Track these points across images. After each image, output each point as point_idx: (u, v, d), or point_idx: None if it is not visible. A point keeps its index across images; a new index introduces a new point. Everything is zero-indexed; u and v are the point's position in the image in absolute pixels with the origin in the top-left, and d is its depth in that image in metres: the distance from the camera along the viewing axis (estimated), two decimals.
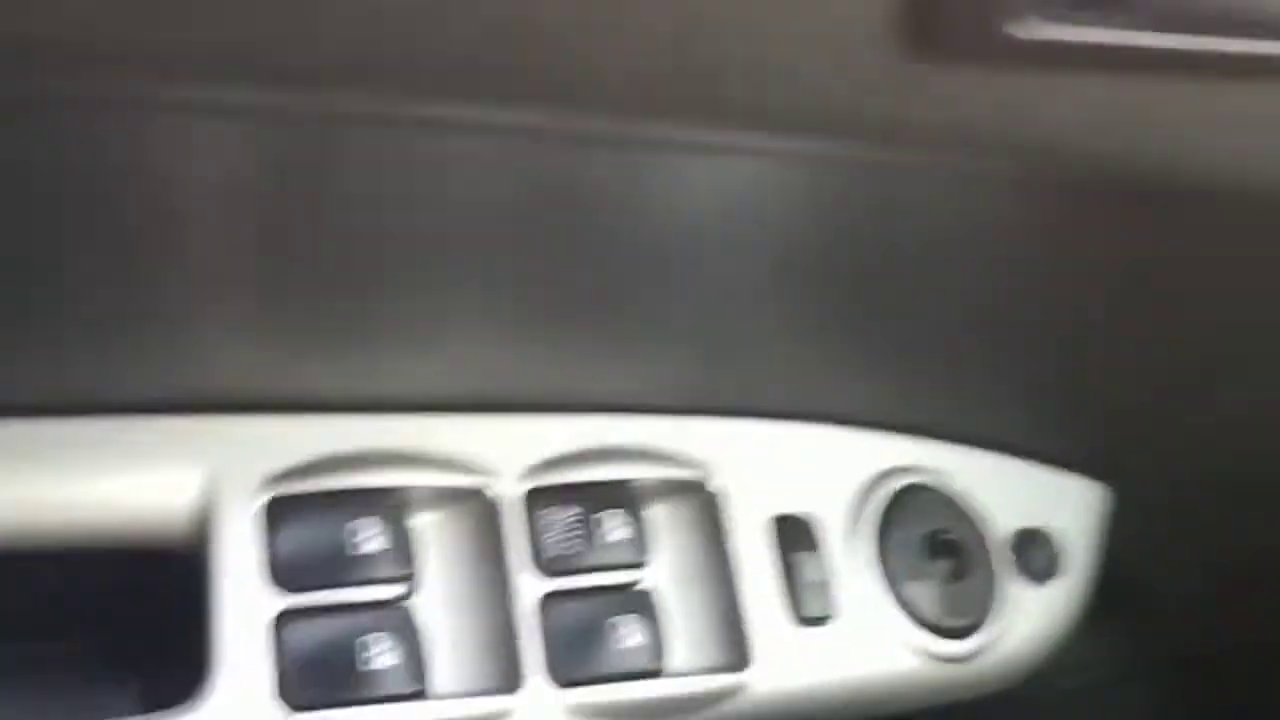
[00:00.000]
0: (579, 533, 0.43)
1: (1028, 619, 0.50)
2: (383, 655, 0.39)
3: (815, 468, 0.48)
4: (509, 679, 0.41)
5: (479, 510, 0.43)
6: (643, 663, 0.42)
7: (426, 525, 0.42)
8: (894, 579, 0.48)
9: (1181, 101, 0.35)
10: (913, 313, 0.46)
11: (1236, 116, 0.36)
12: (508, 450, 0.43)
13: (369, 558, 0.40)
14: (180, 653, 0.38)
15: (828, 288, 0.44)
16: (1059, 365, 0.49)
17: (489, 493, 0.43)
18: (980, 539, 0.50)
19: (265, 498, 0.40)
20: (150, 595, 0.40)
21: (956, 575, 0.49)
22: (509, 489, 0.43)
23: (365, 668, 0.39)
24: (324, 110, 0.31)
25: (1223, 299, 0.44)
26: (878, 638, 0.47)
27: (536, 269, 0.40)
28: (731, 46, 0.30)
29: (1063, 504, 0.52)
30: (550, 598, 0.42)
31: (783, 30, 0.31)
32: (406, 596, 0.41)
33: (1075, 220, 0.40)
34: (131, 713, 0.37)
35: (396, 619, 0.40)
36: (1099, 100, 0.34)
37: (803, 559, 0.46)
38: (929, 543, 0.49)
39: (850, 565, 0.47)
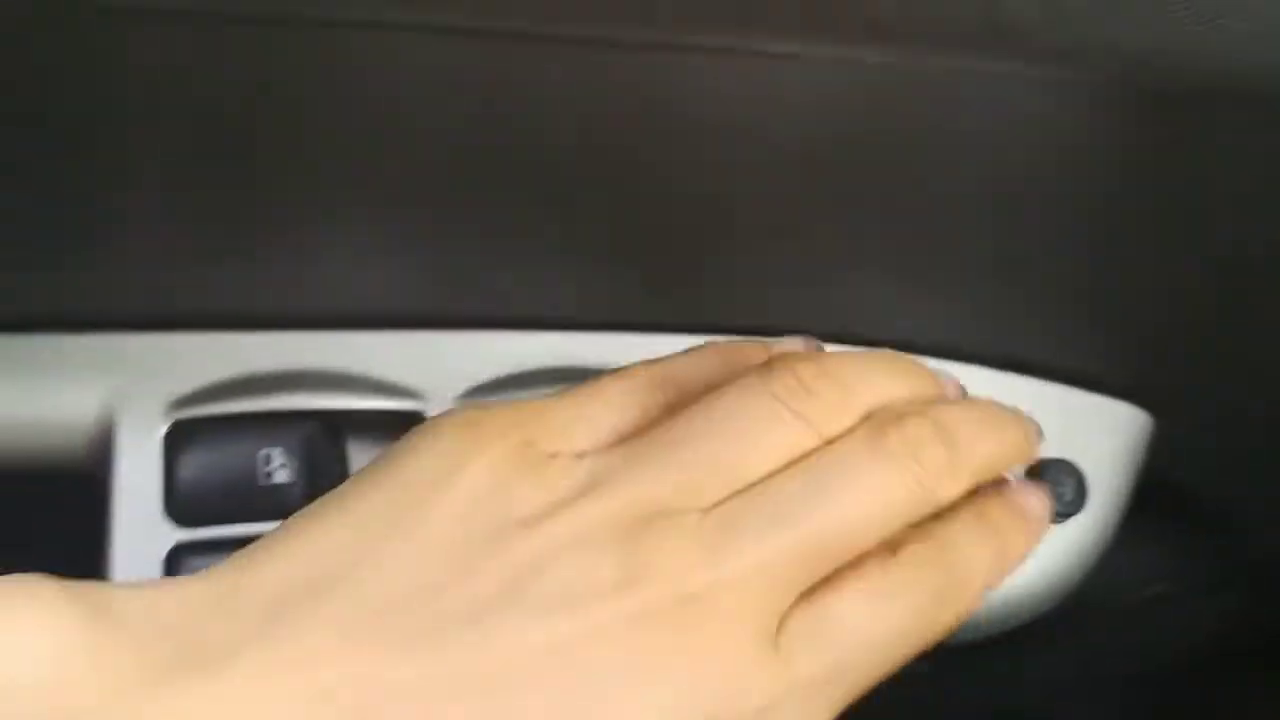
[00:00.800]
0: None
1: (1040, 558, 0.45)
2: None
3: None
4: None
5: None
6: None
7: (351, 453, 0.40)
8: None
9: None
10: (915, 207, 0.41)
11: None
12: (445, 370, 0.40)
13: (279, 489, 0.38)
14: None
15: (817, 179, 0.39)
16: (1090, 275, 0.43)
17: (423, 416, 0.40)
18: None
19: (169, 422, 0.38)
20: (52, 521, 0.39)
21: None
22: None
23: None
24: (264, 12, 0.29)
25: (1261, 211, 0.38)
26: None
27: (476, 173, 0.36)
28: None
29: (1092, 431, 0.46)
30: None
31: None
32: None
33: (1111, 119, 0.35)
34: None
35: None
36: None
37: None
38: None
39: None
